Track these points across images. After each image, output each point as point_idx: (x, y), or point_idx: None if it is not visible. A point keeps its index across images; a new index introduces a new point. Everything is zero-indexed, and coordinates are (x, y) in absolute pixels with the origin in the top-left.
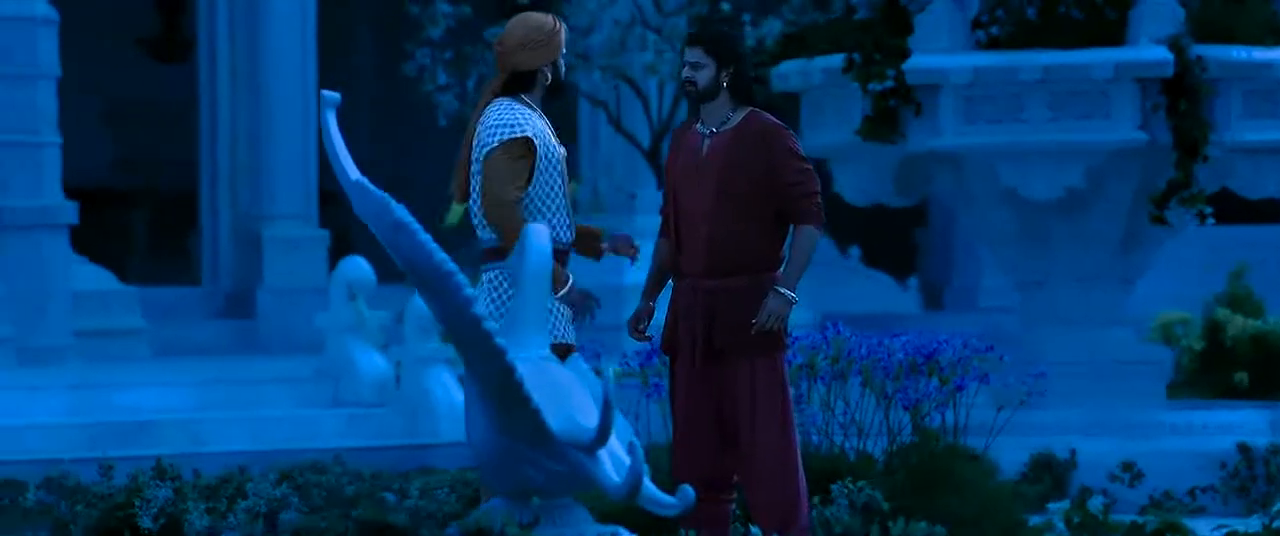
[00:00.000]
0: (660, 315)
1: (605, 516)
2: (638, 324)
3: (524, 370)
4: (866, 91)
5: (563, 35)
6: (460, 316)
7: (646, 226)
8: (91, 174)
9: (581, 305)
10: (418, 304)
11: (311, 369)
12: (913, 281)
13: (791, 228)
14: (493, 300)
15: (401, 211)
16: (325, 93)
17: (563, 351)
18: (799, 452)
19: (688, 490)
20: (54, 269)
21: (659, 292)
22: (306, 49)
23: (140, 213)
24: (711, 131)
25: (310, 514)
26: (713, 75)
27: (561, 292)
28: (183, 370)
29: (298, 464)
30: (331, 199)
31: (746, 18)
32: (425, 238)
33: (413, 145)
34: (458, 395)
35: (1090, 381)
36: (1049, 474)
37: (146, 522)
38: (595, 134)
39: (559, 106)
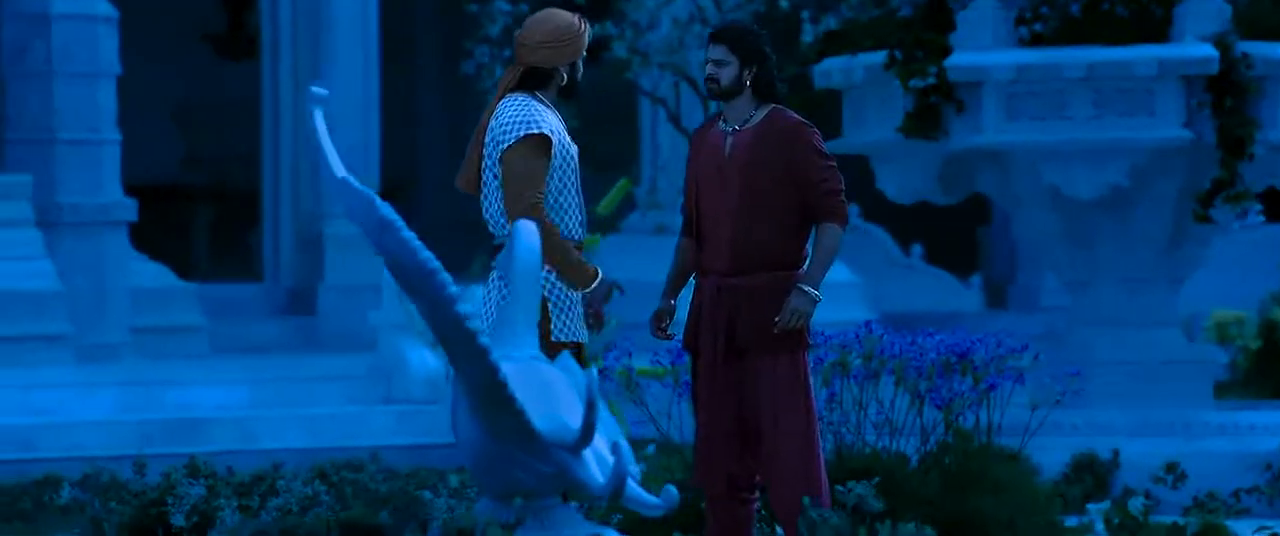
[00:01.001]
0: (682, 313)
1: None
2: (659, 322)
3: (511, 370)
4: (908, 88)
5: (586, 37)
6: (444, 315)
7: None
8: (158, 171)
9: (604, 299)
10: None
11: (367, 366)
12: (975, 279)
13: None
14: (504, 296)
15: (386, 209)
16: (313, 88)
17: (575, 351)
18: (821, 451)
19: (672, 490)
20: (113, 266)
21: (680, 290)
22: (368, 47)
23: (206, 210)
24: (734, 129)
25: (341, 511)
26: (736, 73)
27: (592, 286)
28: (239, 367)
29: (349, 461)
30: (393, 196)
31: (805, 15)
32: (409, 235)
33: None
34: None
35: (1137, 381)
36: (1091, 474)
37: (179, 520)
38: (655, 131)
39: (619, 103)
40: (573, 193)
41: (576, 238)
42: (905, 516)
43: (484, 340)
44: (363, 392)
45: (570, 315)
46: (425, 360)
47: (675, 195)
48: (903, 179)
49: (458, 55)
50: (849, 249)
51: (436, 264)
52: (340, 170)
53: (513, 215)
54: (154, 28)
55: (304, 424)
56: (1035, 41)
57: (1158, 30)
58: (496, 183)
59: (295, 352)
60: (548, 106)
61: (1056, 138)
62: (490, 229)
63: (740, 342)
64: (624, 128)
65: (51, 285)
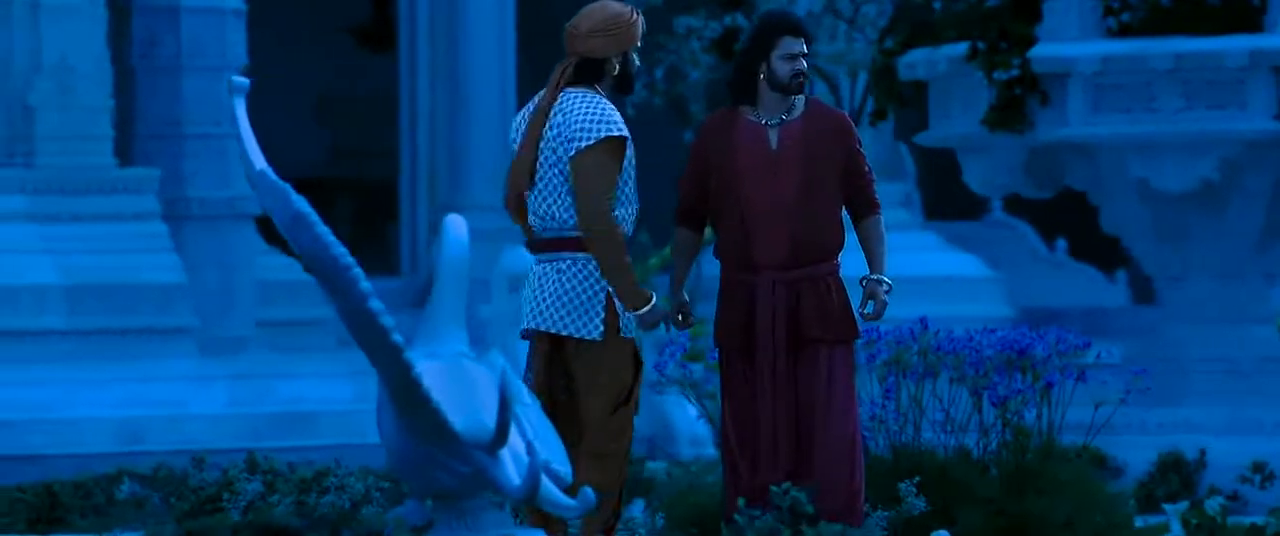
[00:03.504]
0: (702, 311)
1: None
2: (678, 315)
3: (433, 367)
4: (991, 80)
5: (639, 27)
6: (357, 311)
7: None
8: (302, 165)
9: (654, 325)
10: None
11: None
12: (1121, 275)
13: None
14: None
15: (301, 202)
16: (234, 78)
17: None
18: (863, 446)
19: (588, 493)
20: (239, 259)
21: (685, 281)
22: (504, 38)
23: (347, 203)
24: (780, 121)
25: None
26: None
27: (645, 309)
28: (359, 360)
29: None
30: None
31: (937, 5)
32: (324, 230)
33: None
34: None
35: (1230, 379)
36: (1176, 474)
37: (234, 515)
38: None
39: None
40: (631, 190)
41: (629, 232)
42: (962, 516)
43: (397, 337)
44: None
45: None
46: None
47: None
48: (988, 172)
49: None
50: (990, 243)
51: (350, 260)
52: (259, 162)
53: (586, 223)
54: (297, 20)
55: None
56: (1123, 32)
57: (1251, 20)
58: (561, 179)
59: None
60: (609, 101)
61: (1144, 130)
62: (536, 223)
63: (806, 333)
64: None
65: (177, 278)
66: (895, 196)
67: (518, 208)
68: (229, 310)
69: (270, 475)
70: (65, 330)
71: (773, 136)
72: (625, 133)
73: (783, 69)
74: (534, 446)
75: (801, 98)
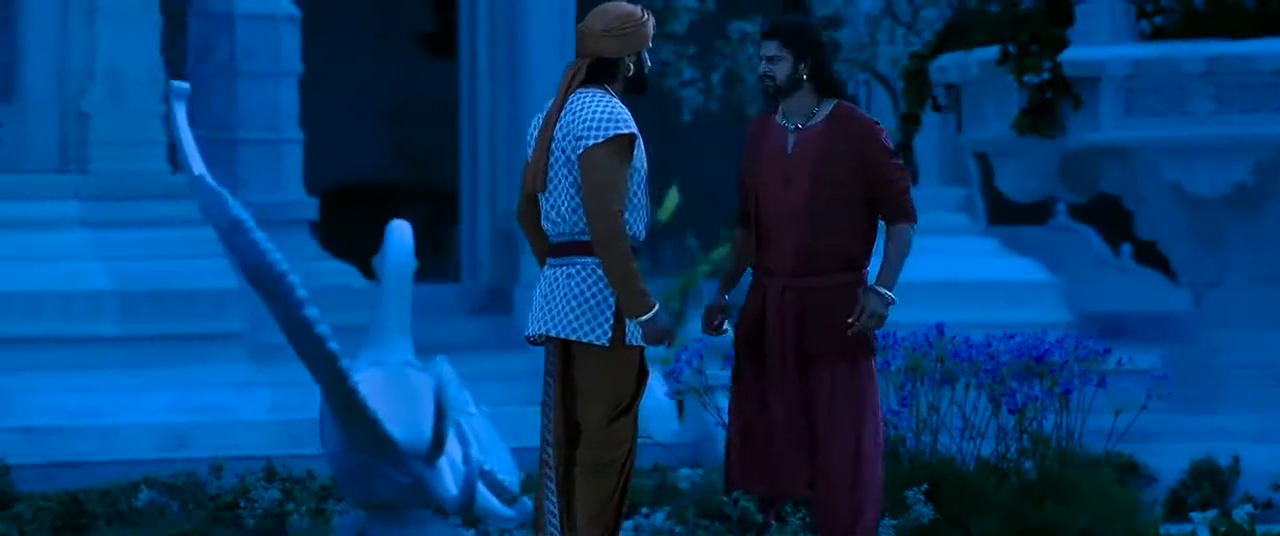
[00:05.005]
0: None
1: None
2: (712, 319)
3: (376, 376)
4: (1022, 84)
5: (650, 28)
6: (293, 319)
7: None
8: (367, 169)
9: (658, 336)
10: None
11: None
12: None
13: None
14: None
15: (237, 208)
16: (174, 83)
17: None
18: (882, 462)
19: (526, 502)
20: (292, 264)
21: (734, 286)
22: (565, 46)
23: (412, 209)
24: (797, 126)
25: None
26: (790, 68)
27: (647, 316)
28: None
29: None
30: None
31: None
32: (260, 236)
33: (657, 140)
34: (662, 393)
35: (1267, 385)
36: (1209, 482)
37: (251, 523)
38: None
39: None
40: (642, 192)
41: (642, 238)
42: (979, 524)
43: (333, 345)
44: (528, 393)
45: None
46: None
47: None
48: (1021, 176)
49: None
50: (1053, 248)
51: (286, 267)
52: (198, 166)
53: (595, 224)
54: (363, 26)
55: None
56: (1156, 35)
57: None
58: (569, 180)
59: (486, 352)
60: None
61: (1177, 134)
62: (549, 227)
63: (809, 346)
64: None
65: (229, 283)
66: (956, 201)
67: (528, 216)
68: None
69: (288, 483)
70: (117, 336)
71: (791, 141)
72: (635, 131)
73: (759, 70)
74: (470, 455)
75: (831, 102)
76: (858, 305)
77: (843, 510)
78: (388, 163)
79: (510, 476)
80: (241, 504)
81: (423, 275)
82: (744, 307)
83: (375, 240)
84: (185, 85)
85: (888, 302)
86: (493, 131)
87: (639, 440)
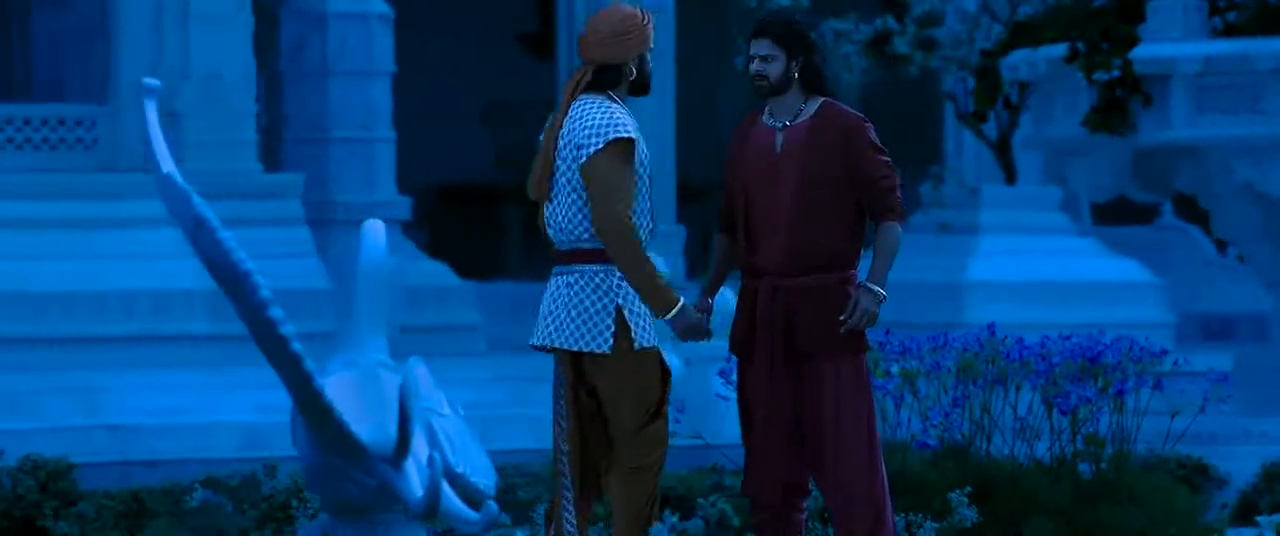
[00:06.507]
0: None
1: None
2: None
3: (348, 377)
4: (1091, 81)
5: (651, 29)
6: (257, 319)
7: (993, 222)
8: (468, 170)
9: (689, 332)
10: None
11: None
12: None
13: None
14: (573, 304)
15: (202, 206)
16: (145, 80)
17: (657, 357)
18: (882, 460)
19: (492, 506)
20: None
21: (717, 290)
22: (661, 45)
23: (514, 210)
24: (784, 125)
25: None
26: (783, 67)
27: (672, 313)
28: (509, 366)
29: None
30: (692, 195)
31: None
32: (225, 235)
33: None
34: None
35: None
36: None
37: (304, 522)
38: (960, 130)
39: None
40: (645, 194)
41: (646, 240)
42: (1030, 527)
43: (297, 346)
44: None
45: (641, 315)
46: (669, 360)
47: (961, 191)
48: (1092, 175)
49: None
50: (1158, 248)
51: (251, 266)
52: (166, 165)
53: (604, 229)
54: (466, 27)
55: (531, 424)
56: (1229, 32)
57: None
58: (570, 189)
59: None
60: (623, 105)
61: (1249, 132)
62: (553, 235)
63: (800, 346)
64: (926, 125)
65: (319, 283)
66: (1056, 200)
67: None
68: None
69: None
70: (207, 335)
71: (778, 140)
72: (633, 134)
73: (750, 70)
74: (433, 458)
75: (818, 100)
76: (851, 303)
77: (862, 511)
78: (486, 162)
79: (486, 479)
80: (293, 503)
81: (516, 273)
82: (736, 314)
83: (479, 239)
84: (156, 82)
85: (879, 300)
86: None
87: (692, 441)
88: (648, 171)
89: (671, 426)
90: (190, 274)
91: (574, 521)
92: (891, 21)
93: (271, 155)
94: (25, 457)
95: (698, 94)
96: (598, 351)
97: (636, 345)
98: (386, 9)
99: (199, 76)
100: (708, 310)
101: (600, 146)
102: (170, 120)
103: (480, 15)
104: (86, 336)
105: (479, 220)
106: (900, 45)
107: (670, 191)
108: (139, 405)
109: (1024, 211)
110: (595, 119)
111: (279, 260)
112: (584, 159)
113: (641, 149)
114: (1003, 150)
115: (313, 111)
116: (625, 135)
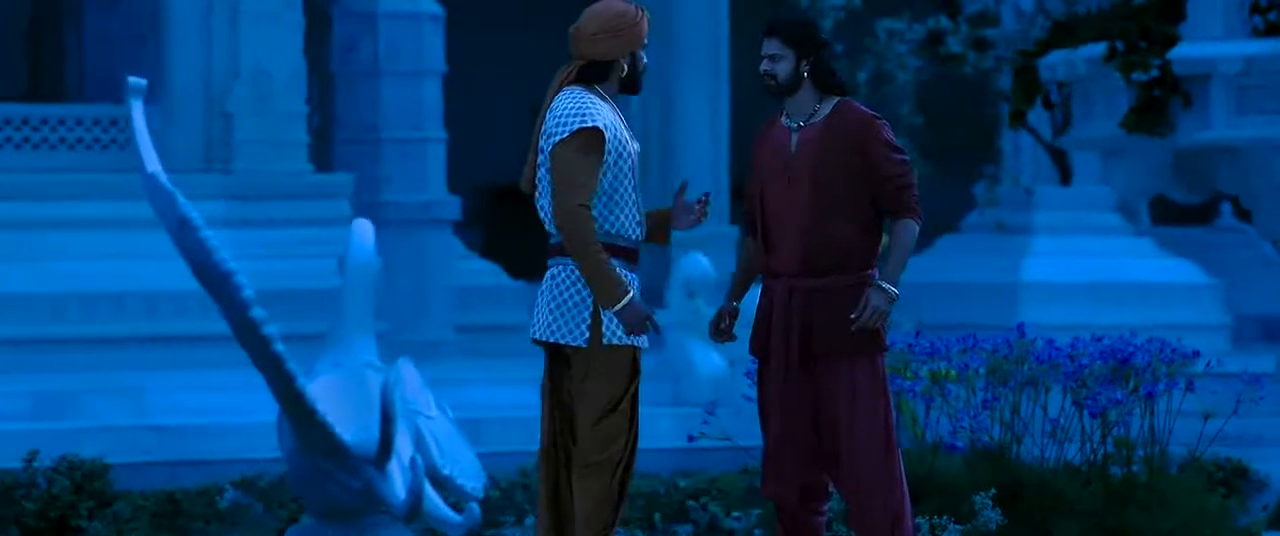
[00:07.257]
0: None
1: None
2: (720, 323)
3: (335, 379)
4: (1129, 82)
5: (645, 25)
6: (240, 320)
7: (1048, 223)
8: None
9: (637, 326)
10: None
11: (651, 367)
12: None
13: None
14: (553, 296)
15: (186, 207)
16: (132, 79)
17: (631, 356)
18: (901, 459)
19: (474, 509)
20: (434, 264)
21: (745, 292)
22: (717, 46)
23: None
24: (799, 125)
25: None
26: (792, 66)
27: (618, 306)
28: (531, 367)
29: None
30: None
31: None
32: (208, 235)
33: None
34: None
35: None
36: None
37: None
38: (1018, 130)
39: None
40: (629, 190)
41: (632, 237)
42: (1059, 529)
43: (279, 347)
44: (648, 394)
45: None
46: (712, 361)
47: (1016, 191)
48: (1132, 175)
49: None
50: (1215, 248)
51: (233, 266)
52: (151, 164)
53: (558, 218)
54: (517, 26)
55: None
56: (1270, 31)
57: None
58: (549, 179)
59: None
60: (605, 100)
61: None
62: (548, 228)
63: (816, 347)
64: (984, 126)
65: None
66: (1111, 201)
67: None
68: (424, 315)
69: None
70: None
71: (793, 140)
72: (601, 124)
73: (759, 70)
74: (417, 462)
75: (833, 100)
76: (862, 301)
77: (879, 513)
78: None
79: (474, 481)
80: None
81: None
82: (757, 316)
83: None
84: (142, 81)
85: (891, 298)
86: (645, 133)
87: (719, 442)
88: (632, 165)
89: (701, 427)
90: (242, 275)
91: (546, 520)
92: (945, 21)
93: (324, 156)
94: (61, 458)
95: (752, 94)
96: (576, 345)
97: (605, 340)
98: (438, 9)
99: (250, 76)
100: (734, 314)
101: (565, 135)
102: (222, 120)
103: (526, 15)
104: (136, 336)
105: (532, 220)
106: (954, 45)
107: (725, 192)
108: (186, 405)
109: (1078, 212)
110: (565, 109)
111: (329, 260)
112: (550, 147)
113: (622, 142)
114: (1057, 150)
115: (364, 112)
116: (591, 125)
